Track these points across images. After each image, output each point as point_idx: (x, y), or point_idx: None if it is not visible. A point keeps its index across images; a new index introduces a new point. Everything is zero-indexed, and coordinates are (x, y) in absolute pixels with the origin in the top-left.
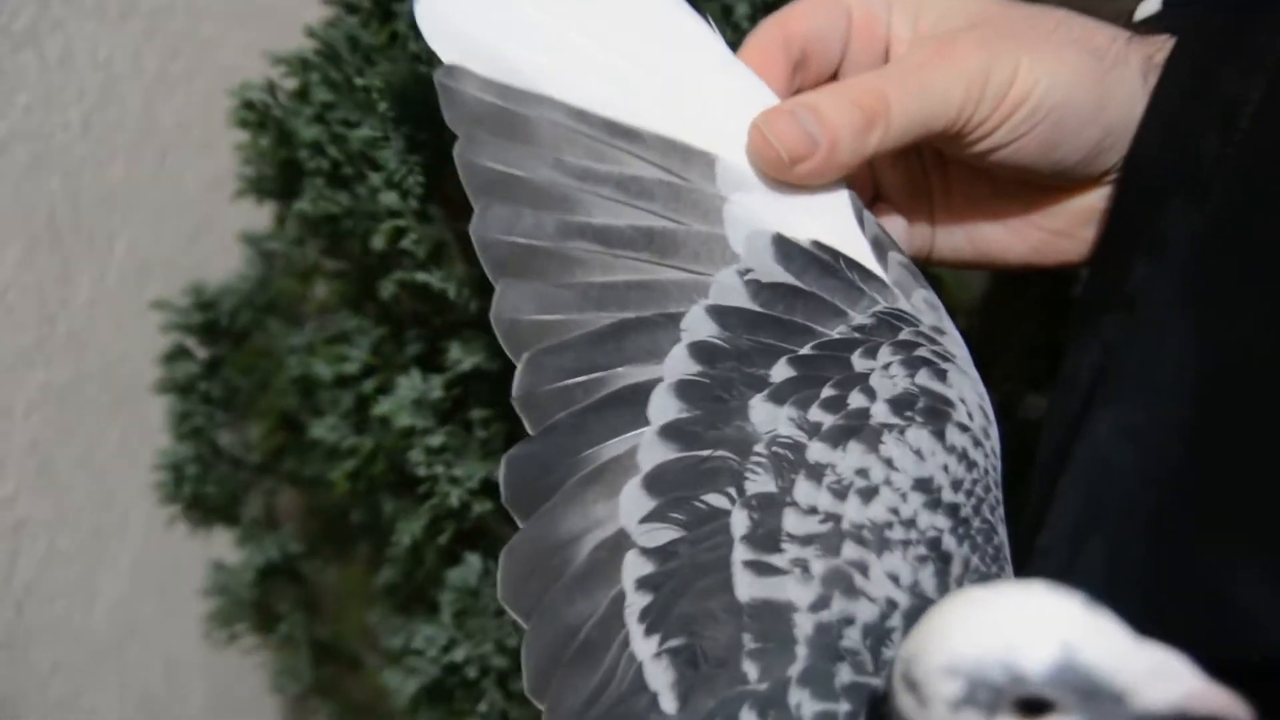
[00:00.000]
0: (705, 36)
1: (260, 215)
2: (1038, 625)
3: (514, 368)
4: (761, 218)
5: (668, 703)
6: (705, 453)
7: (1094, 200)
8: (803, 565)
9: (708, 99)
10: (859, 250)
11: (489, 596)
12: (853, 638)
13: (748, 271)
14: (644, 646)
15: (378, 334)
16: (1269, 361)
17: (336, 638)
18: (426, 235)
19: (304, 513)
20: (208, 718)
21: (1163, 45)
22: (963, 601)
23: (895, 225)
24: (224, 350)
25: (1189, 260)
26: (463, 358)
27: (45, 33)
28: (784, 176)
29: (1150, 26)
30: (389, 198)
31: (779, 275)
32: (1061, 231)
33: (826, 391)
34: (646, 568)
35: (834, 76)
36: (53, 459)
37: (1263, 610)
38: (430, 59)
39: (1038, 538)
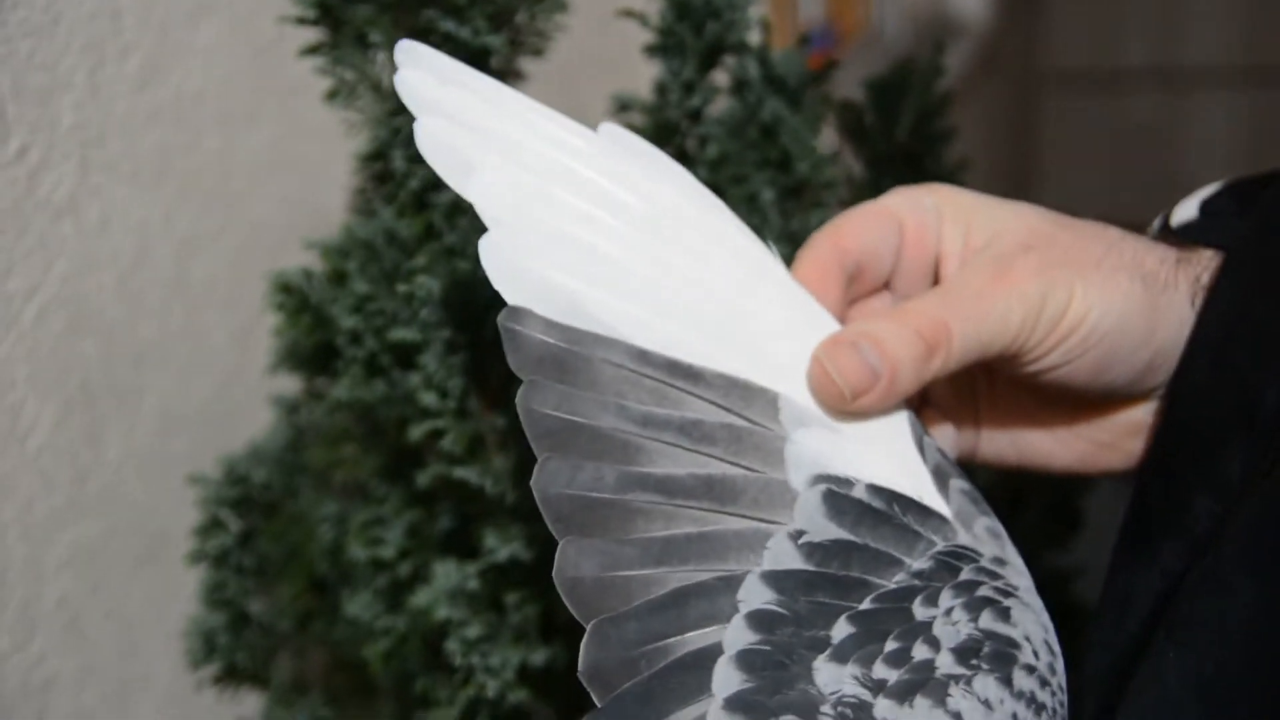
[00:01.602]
0: (764, 259)
1: (288, 379)
2: None
3: (547, 553)
4: (822, 457)
5: None
6: (772, 718)
7: (1140, 415)
8: None
9: (768, 330)
10: (920, 481)
11: None
12: None
13: (800, 534)
14: None
15: (411, 516)
16: None
17: None
18: (463, 433)
19: (331, 671)
20: None
21: (1208, 265)
22: None
23: (944, 432)
24: (256, 521)
25: (1257, 524)
26: (498, 547)
27: (84, 201)
28: (845, 409)
29: (1191, 236)
30: (428, 398)
31: (832, 533)
32: (1107, 444)
33: (889, 645)
34: None
35: (886, 285)
36: (80, 614)
37: None
38: (465, 250)
39: None
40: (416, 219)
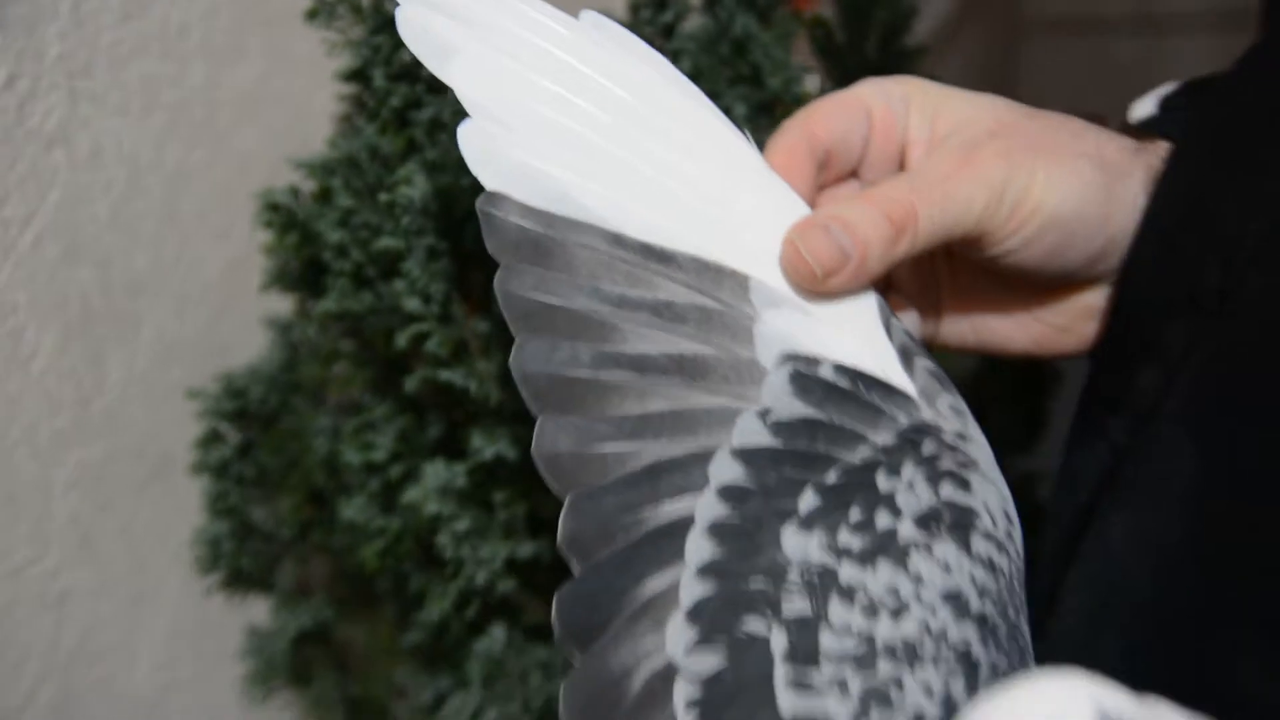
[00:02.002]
0: (739, 146)
1: (281, 301)
2: (1073, 698)
3: (530, 454)
4: (790, 336)
5: None
6: (742, 584)
7: (1093, 299)
8: (841, 683)
9: (741, 215)
10: (886, 360)
11: (513, 664)
12: None
13: (768, 412)
14: None
15: (402, 422)
16: (1267, 495)
17: (366, 694)
18: (448, 337)
19: (333, 578)
20: None
21: (1163, 155)
22: (999, 703)
23: (908, 317)
24: (254, 433)
25: (1196, 387)
26: (484, 446)
27: (74, 131)
28: (816, 289)
29: (1149, 130)
30: (412, 303)
31: (799, 410)
32: (1062, 326)
33: (854, 515)
34: (695, 693)
35: (854, 173)
36: (91, 532)
37: (1264, 701)
38: (445, 164)
39: (1051, 619)
40: (398, 136)
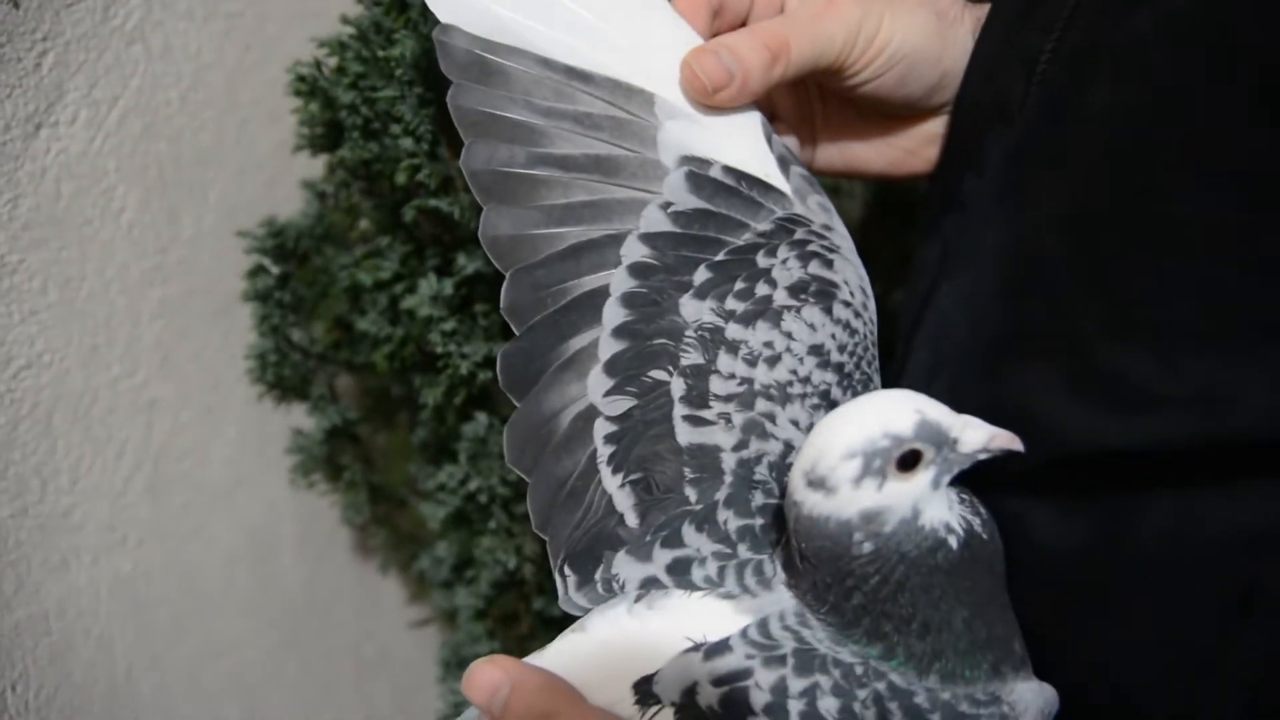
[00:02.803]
0: None
1: (316, 167)
2: (900, 406)
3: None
4: (687, 141)
5: (631, 520)
6: (648, 342)
7: (934, 127)
8: (726, 417)
9: (649, 45)
10: (767, 164)
11: (494, 444)
12: (763, 472)
13: (668, 204)
14: (612, 482)
15: (404, 250)
16: (1055, 242)
17: (386, 483)
18: (436, 171)
19: (358, 392)
20: (296, 543)
21: (986, 10)
22: (844, 410)
23: (789, 141)
24: (292, 267)
25: (1002, 172)
26: (468, 264)
27: (149, 30)
28: (708, 102)
29: None
30: (406, 143)
31: (693, 202)
32: (910, 150)
33: (738, 285)
34: (611, 428)
35: (743, 23)
36: (172, 354)
37: (1056, 415)
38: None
39: (899, 381)
40: (399, 18)
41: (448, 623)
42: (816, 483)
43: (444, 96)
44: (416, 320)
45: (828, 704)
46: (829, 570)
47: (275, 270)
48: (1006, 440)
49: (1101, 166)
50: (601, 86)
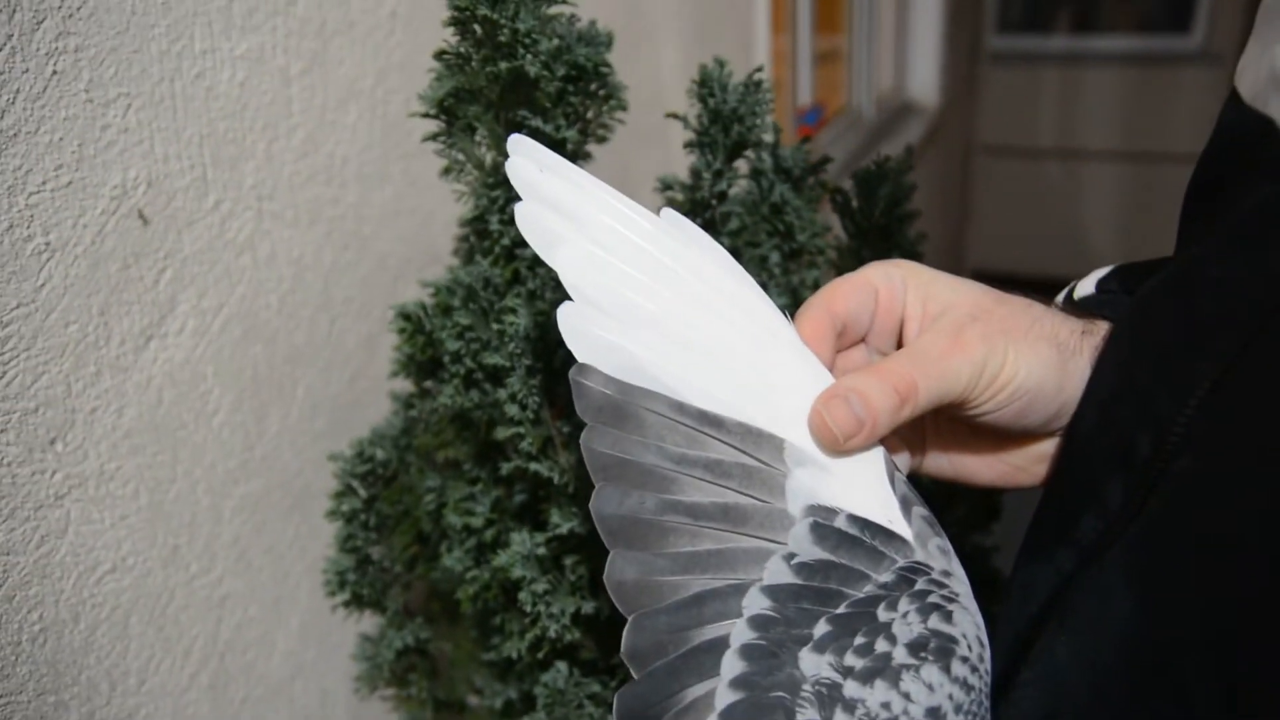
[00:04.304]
0: (779, 324)
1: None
2: None
3: (596, 529)
4: (814, 490)
5: None
6: (764, 694)
7: (1046, 447)
8: None
9: (778, 384)
10: (890, 509)
11: (571, 693)
12: None
13: (793, 556)
14: None
15: (495, 494)
16: (1184, 647)
17: (450, 695)
18: (538, 435)
19: (429, 602)
20: None
21: (1104, 334)
22: None
23: (900, 455)
24: (378, 489)
25: (1134, 545)
26: (561, 522)
27: (258, 241)
28: (837, 449)
29: (1089, 309)
30: (512, 409)
31: (817, 554)
32: (1021, 468)
33: (858, 640)
34: None
35: (863, 339)
36: (247, 550)
37: None
38: (543, 294)
39: (1004, 705)
40: (506, 268)
41: None
42: None
43: (550, 364)
44: (505, 572)
45: None
46: None
47: (363, 494)
48: None
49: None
50: (733, 433)
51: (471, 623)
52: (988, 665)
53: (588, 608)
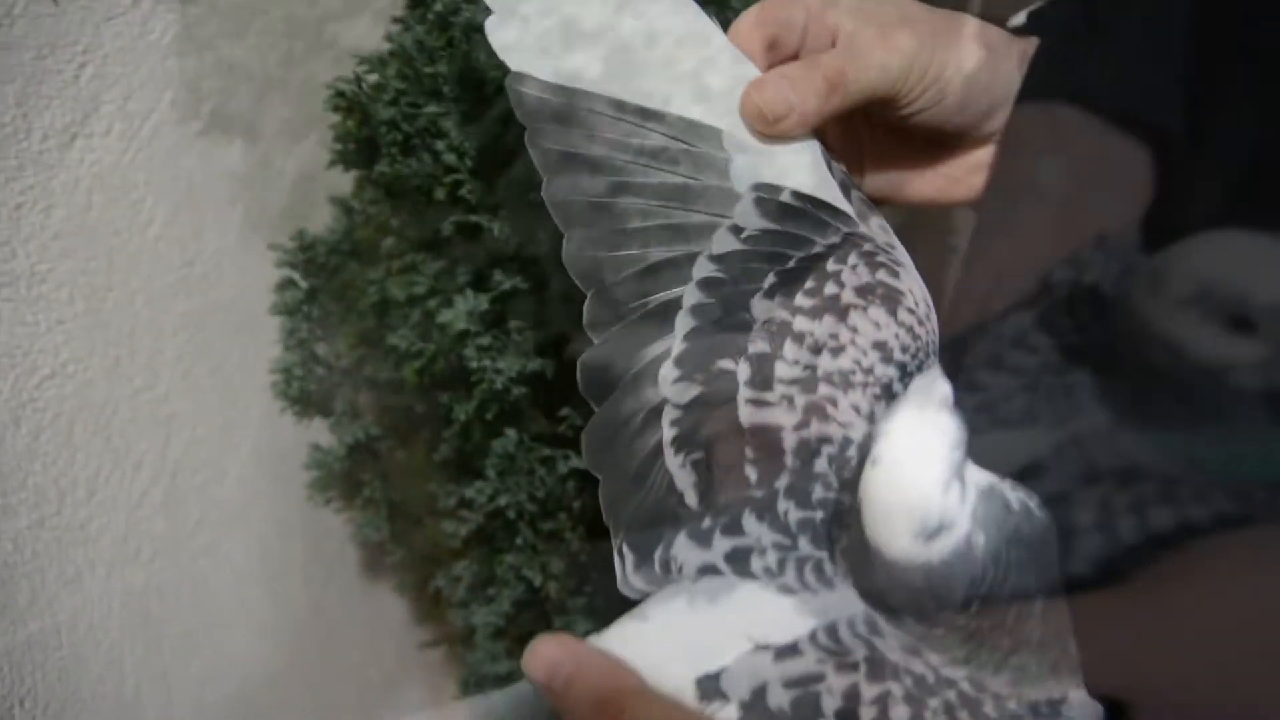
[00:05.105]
0: (710, 29)
1: (344, 184)
2: (939, 417)
3: (540, 289)
4: (756, 171)
5: (690, 499)
6: (716, 337)
7: (981, 156)
8: (789, 399)
9: (713, 82)
10: (831, 189)
11: (523, 461)
12: (823, 465)
13: (739, 228)
14: (674, 461)
15: (437, 266)
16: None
17: (404, 501)
18: (477, 187)
19: (379, 409)
20: (309, 562)
21: (1031, 45)
22: (901, 452)
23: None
24: (320, 282)
25: None
26: (504, 280)
27: (185, 44)
28: (768, 131)
29: (1021, 31)
30: (450, 158)
31: (763, 225)
32: (957, 179)
33: (807, 284)
34: (676, 413)
35: (795, 55)
36: (193, 368)
37: None
38: (474, 52)
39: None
40: (441, 34)
41: (460, 643)
42: (935, 530)
43: (486, 114)
44: (449, 335)
45: (899, 712)
46: (957, 595)
47: (304, 284)
48: None
49: None
50: (674, 126)
51: (422, 419)
52: (933, 328)
53: (533, 366)
